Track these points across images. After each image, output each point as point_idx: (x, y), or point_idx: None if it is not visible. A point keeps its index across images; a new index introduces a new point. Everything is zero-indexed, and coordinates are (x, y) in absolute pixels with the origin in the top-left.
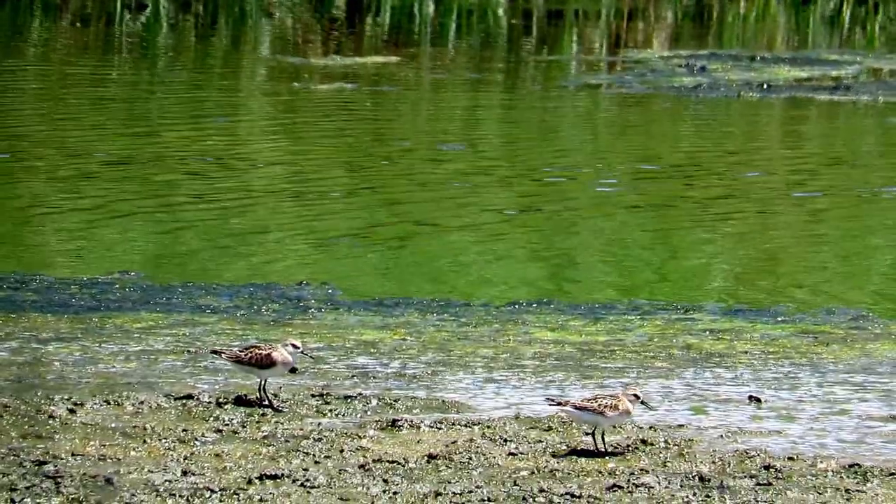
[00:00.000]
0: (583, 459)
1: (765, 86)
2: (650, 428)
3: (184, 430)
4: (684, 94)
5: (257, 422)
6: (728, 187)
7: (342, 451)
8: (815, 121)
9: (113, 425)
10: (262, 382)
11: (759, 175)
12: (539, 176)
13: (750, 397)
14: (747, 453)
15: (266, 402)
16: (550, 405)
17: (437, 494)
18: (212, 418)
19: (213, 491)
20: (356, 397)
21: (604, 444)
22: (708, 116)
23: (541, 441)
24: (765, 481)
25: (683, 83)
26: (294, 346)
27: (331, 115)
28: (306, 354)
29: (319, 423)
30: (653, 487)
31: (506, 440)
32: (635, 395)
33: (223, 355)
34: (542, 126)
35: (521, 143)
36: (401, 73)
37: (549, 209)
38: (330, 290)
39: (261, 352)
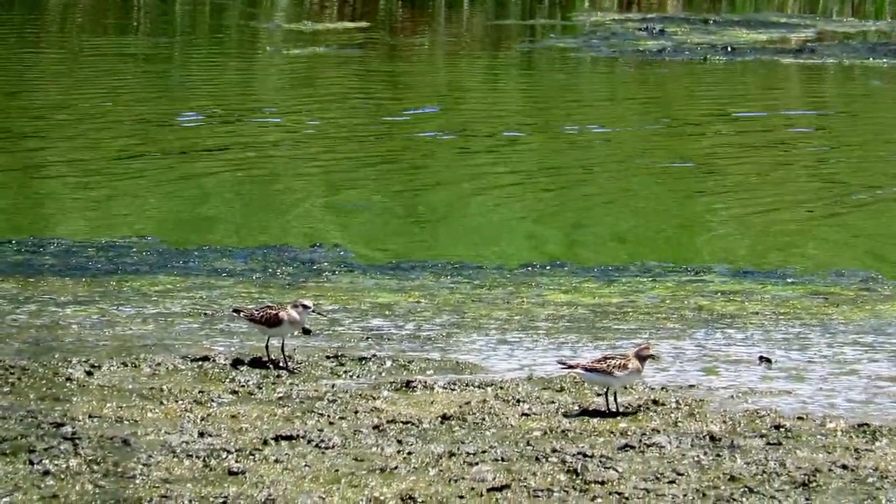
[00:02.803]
0: (595, 420)
1: (729, 49)
2: (662, 388)
3: (200, 392)
4: (650, 58)
5: (273, 383)
6: (733, 150)
7: (357, 412)
8: (795, 82)
9: (130, 387)
10: (281, 343)
11: (762, 137)
12: (549, 139)
13: (760, 358)
14: (757, 413)
15: (282, 364)
16: (562, 368)
17: (451, 454)
18: (228, 380)
19: (229, 451)
20: (371, 359)
21: (616, 404)
22: (695, 78)
23: (553, 402)
24: (775, 441)
25: (648, 46)
26: (304, 306)
27: (343, 81)
28: (318, 313)
29: (334, 385)
30: (664, 447)
31: (519, 401)
32: (645, 353)
33: (241, 313)
34: (545, 89)
35: (528, 107)
36: (414, 39)
37: (558, 172)
38: (342, 253)
39: (271, 311)
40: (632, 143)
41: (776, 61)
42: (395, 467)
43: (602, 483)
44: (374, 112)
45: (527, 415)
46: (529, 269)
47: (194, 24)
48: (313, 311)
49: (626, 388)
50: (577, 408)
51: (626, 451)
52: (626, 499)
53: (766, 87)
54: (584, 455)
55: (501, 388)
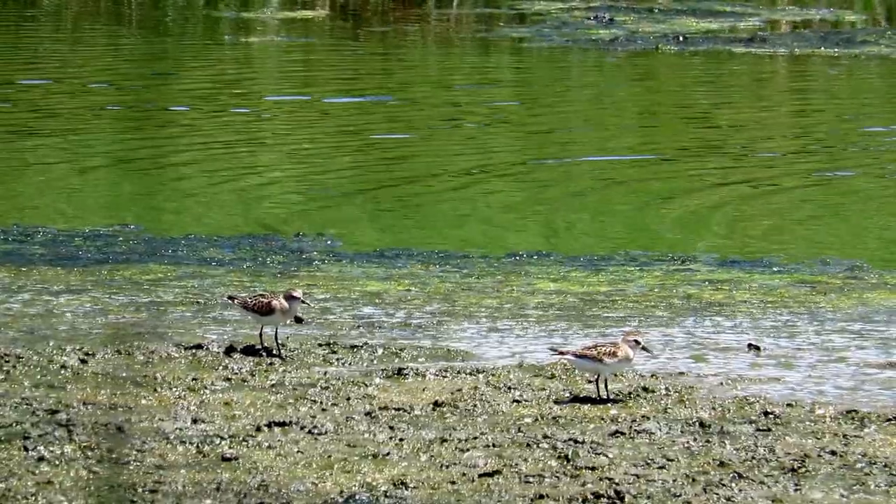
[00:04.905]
0: (585, 406)
1: (681, 38)
2: (651, 376)
3: (193, 379)
4: (603, 47)
5: (265, 370)
6: (717, 140)
7: (349, 398)
8: (764, 72)
9: (124, 374)
10: (275, 330)
11: (746, 128)
12: (533, 129)
13: (749, 345)
14: (747, 400)
15: (275, 352)
16: (552, 355)
17: (443, 441)
18: (221, 367)
19: (222, 438)
20: (362, 346)
21: (606, 391)
22: (673, 67)
23: (544, 388)
24: (764, 427)
25: (600, 35)
26: (294, 296)
27: (330, 70)
28: (306, 303)
29: (326, 372)
30: (654, 433)
31: (510, 388)
32: (636, 341)
33: (236, 301)
34: (524, 78)
35: (513, 97)
36: (405, 29)
37: (539, 161)
38: (329, 242)
39: (263, 300)
40: (614, 131)
41: (729, 50)
42: (388, 453)
43: (593, 469)
44: (361, 100)
45: (518, 401)
46: (516, 258)
47: (182, 10)
48: (303, 301)
49: (616, 375)
50: (567, 395)
51: (617, 437)
52: (617, 484)
53: (742, 76)
54: (575, 441)
55: (493, 375)
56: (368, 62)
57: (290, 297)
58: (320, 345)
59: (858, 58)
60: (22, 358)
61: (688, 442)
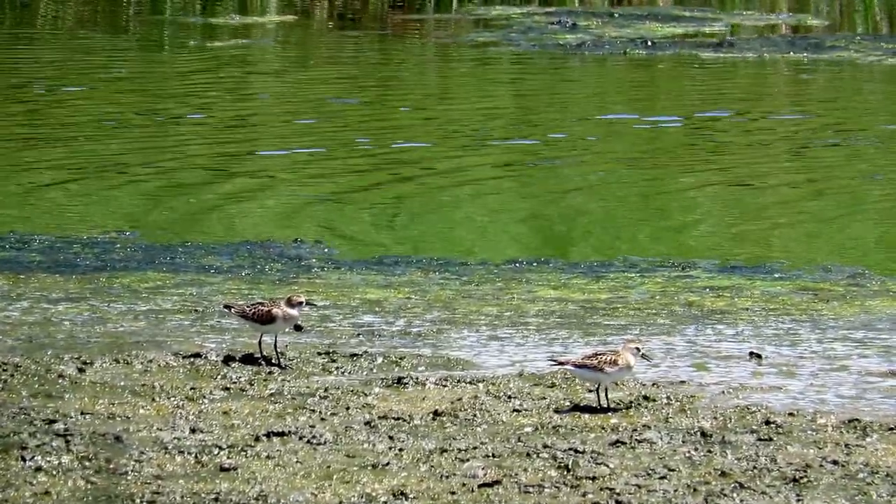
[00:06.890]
0: (586, 415)
1: (648, 42)
2: (652, 384)
3: (192, 388)
4: (570, 52)
5: (264, 380)
6: (716, 145)
7: (348, 408)
8: (744, 76)
9: (122, 384)
10: (274, 339)
11: (742, 132)
12: (529, 132)
13: (751, 353)
14: (748, 409)
15: (274, 361)
16: (552, 365)
17: (443, 451)
18: (219, 376)
19: (221, 448)
20: (362, 355)
21: (607, 400)
22: (654, 72)
23: (544, 397)
24: (766, 436)
25: (567, 40)
26: (299, 302)
27: (326, 77)
28: (312, 304)
29: (326, 381)
30: (655, 443)
31: (510, 397)
32: (636, 349)
33: (232, 310)
34: (522, 87)
35: (510, 103)
36: (403, 35)
37: (539, 167)
38: (327, 249)
39: (263, 308)
40: (611, 137)
41: (697, 55)
42: (387, 463)
43: (593, 479)
44: (358, 107)
45: (518, 411)
46: (516, 265)
47: (181, 16)
48: (308, 303)
49: (617, 383)
50: (568, 404)
51: (618, 446)
52: (618, 494)
53: (727, 80)
54: (576, 451)
55: (493, 384)
56: (365, 63)
57: (291, 304)
58: (319, 353)
59: (827, 62)
60: (20, 367)
61: (689, 451)
